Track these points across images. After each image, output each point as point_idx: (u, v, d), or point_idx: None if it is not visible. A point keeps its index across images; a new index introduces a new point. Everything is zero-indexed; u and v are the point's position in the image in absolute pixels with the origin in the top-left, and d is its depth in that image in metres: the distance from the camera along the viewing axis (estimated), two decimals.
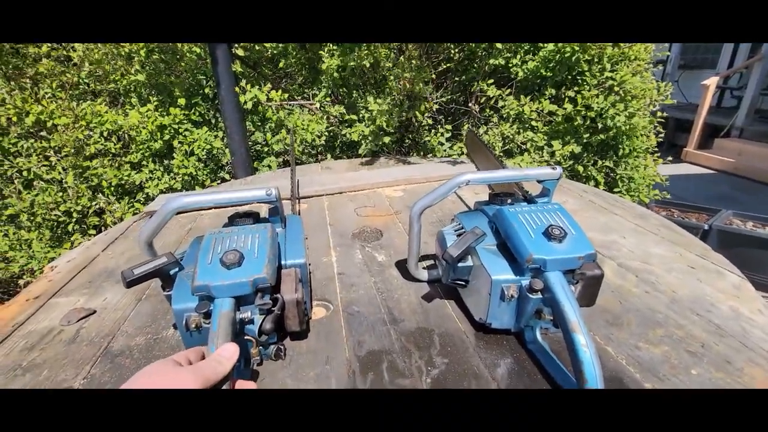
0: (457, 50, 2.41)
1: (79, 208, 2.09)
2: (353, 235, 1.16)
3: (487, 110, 2.34)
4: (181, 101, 2.28)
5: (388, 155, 2.15)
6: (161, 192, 2.27)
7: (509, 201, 0.78)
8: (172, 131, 2.27)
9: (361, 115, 2.31)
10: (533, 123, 2.15)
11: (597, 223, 1.17)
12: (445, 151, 2.30)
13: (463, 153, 2.09)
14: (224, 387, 0.45)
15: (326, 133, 2.47)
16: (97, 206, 2.13)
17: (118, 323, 0.81)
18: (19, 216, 2.01)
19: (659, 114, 2.16)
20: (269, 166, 2.41)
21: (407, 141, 2.50)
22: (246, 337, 0.60)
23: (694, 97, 5.76)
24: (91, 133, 2.15)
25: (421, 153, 2.40)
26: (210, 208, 1.40)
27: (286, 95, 2.41)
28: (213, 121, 2.46)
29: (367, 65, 2.11)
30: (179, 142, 2.28)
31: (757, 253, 2.41)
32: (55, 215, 2.07)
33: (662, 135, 2.23)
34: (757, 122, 5.29)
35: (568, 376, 0.60)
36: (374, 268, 0.97)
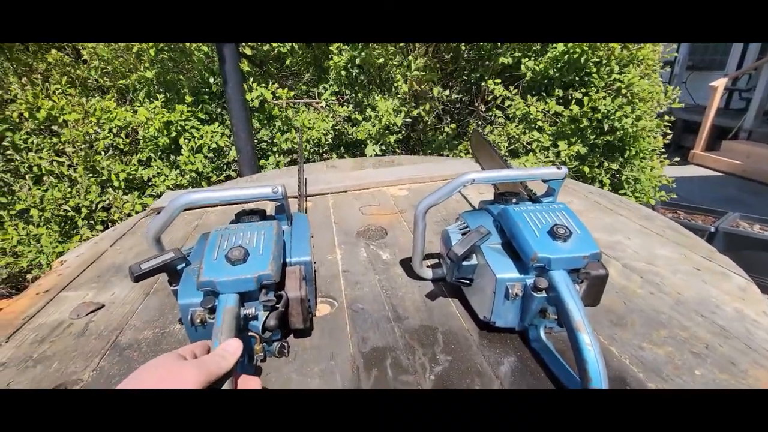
0: (467, 48, 2.41)
1: (87, 203, 2.11)
2: (358, 233, 1.16)
3: (493, 110, 2.34)
4: (188, 98, 2.30)
5: (393, 154, 2.15)
6: (168, 188, 2.29)
7: (514, 200, 0.78)
8: (179, 128, 2.29)
9: (367, 114, 2.31)
10: (539, 123, 2.14)
11: (602, 223, 1.17)
12: (450, 150, 2.30)
13: (468, 152, 2.09)
14: (228, 382, 0.46)
15: (332, 132, 2.48)
16: (106, 201, 2.15)
17: (126, 317, 0.82)
18: (29, 211, 2.04)
19: (666, 117, 2.15)
20: (276, 164, 2.42)
21: (412, 140, 2.51)
22: (250, 334, 0.60)
23: (702, 99, 5.70)
24: (99, 129, 2.18)
25: (427, 152, 2.40)
26: (216, 205, 1.41)
27: (292, 93, 2.42)
28: (220, 118, 2.48)
29: (379, 63, 2.11)
30: (186, 139, 2.30)
31: (764, 257, 2.38)
32: (64, 210, 2.09)
33: (669, 136, 2.22)
34: (766, 124, 5.23)
35: (572, 375, 0.60)
36: (379, 266, 0.97)
